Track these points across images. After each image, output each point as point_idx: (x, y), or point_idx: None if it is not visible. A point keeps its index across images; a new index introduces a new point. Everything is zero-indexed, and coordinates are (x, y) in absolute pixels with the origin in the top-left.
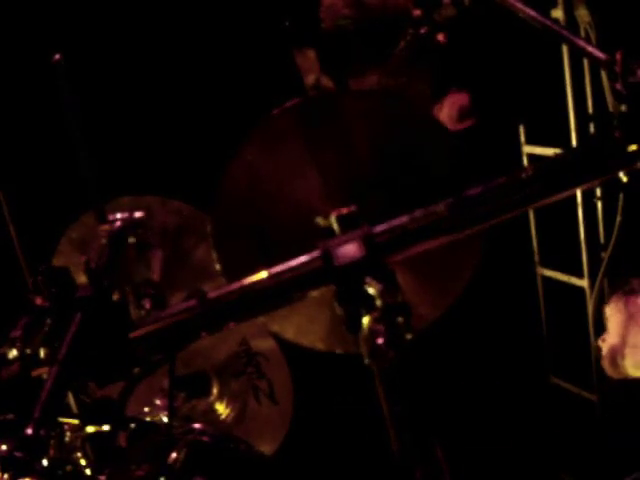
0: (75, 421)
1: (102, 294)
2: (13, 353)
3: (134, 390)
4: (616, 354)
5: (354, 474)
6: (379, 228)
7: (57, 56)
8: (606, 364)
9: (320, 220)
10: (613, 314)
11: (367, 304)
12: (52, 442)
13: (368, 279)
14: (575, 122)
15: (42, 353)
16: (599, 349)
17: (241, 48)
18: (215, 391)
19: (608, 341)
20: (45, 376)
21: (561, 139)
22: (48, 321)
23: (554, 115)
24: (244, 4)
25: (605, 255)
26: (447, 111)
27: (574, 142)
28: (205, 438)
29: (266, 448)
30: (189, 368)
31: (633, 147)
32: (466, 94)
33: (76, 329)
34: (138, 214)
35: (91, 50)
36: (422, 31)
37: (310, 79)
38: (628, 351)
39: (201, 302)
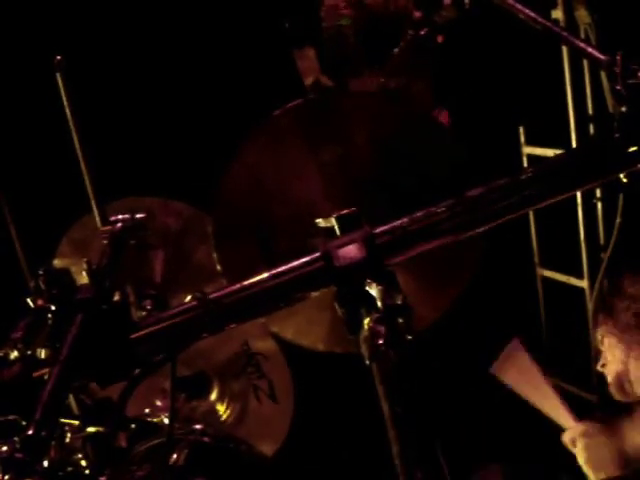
0: (76, 422)
1: (103, 295)
2: (14, 354)
3: (135, 391)
4: (623, 381)
5: (354, 474)
6: (380, 229)
7: (58, 57)
8: (614, 391)
9: (321, 221)
10: (608, 343)
11: (368, 305)
12: (53, 443)
13: (369, 280)
14: (575, 123)
15: (43, 354)
16: (603, 375)
17: (242, 49)
18: (216, 392)
19: (611, 368)
20: (46, 377)
21: (561, 140)
22: (49, 322)
23: (554, 116)
24: (245, 5)
25: (605, 256)
26: None
27: (574, 143)
28: (206, 439)
29: (267, 448)
30: (190, 369)
31: (633, 148)
32: (445, 113)
33: (77, 330)
34: (139, 215)
35: (92, 52)
36: (422, 32)
37: (310, 79)
38: (634, 379)
39: (202, 303)
